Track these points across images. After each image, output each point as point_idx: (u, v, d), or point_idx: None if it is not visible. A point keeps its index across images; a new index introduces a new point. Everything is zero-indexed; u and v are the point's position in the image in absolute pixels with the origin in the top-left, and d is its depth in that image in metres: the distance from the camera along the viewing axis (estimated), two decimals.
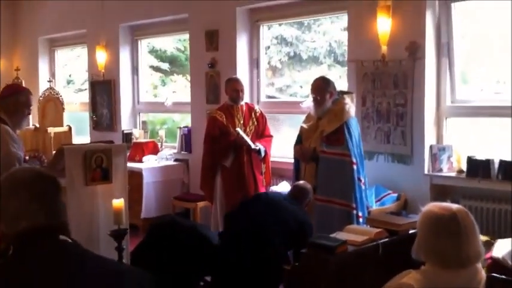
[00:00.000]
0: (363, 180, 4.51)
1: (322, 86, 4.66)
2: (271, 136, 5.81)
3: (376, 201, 4.99)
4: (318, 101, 4.65)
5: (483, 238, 3.57)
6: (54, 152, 6.55)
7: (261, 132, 5.73)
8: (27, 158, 4.08)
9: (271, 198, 4.44)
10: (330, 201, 4.45)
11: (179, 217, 5.75)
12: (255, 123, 5.70)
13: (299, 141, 4.83)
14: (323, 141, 4.53)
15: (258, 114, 5.77)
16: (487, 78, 5.18)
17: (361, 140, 4.68)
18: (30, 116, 8.52)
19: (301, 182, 4.64)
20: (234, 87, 5.65)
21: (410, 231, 3.42)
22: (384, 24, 5.00)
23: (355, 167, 4.43)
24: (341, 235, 3.36)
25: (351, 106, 4.64)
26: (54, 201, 1.79)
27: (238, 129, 5.48)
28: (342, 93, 4.78)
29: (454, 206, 2.20)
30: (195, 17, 6.82)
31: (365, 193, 4.60)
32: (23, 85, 8.55)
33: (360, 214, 4.42)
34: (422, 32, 4.87)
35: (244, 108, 5.73)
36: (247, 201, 4.57)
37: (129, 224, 4.98)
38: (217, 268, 4.21)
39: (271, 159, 5.80)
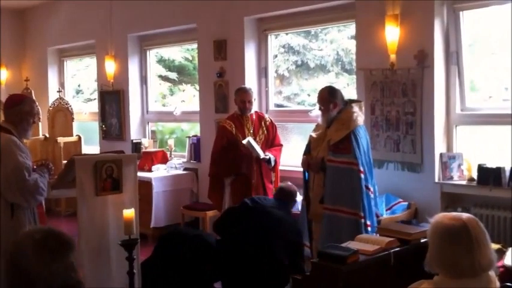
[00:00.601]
0: (371, 189, 4.50)
1: (325, 97, 4.64)
2: (281, 145, 5.81)
3: (386, 210, 4.97)
4: (323, 111, 4.67)
5: (495, 246, 3.56)
6: (64, 161, 6.58)
7: (271, 141, 5.73)
8: (35, 166, 4.09)
9: (261, 206, 4.47)
10: (337, 210, 4.42)
11: (185, 227, 5.75)
12: (265, 132, 5.71)
13: (308, 150, 4.83)
14: (330, 150, 4.52)
15: (268, 123, 5.78)
16: (496, 85, 5.17)
17: (370, 149, 4.66)
18: (40, 126, 8.71)
19: (287, 184, 4.66)
20: (242, 98, 5.67)
21: (422, 240, 3.41)
22: (392, 33, 5.01)
23: (362, 175, 4.41)
24: (352, 244, 3.36)
25: (359, 114, 4.62)
26: (66, 262, 1.81)
27: (249, 138, 5.49)
28: (351, 101, 4.78)
29: (464, 216, 2.19)
30: (203, 27, 6.86)
31: (374, 201, 4.58)
32: (33, 95, 8.65)
33: (369, 223, 4.39)
34: (431, 40, 4.87)
35: (254, 117, 5.74)
36: (236, 210, 4.61)
37: (139, 233, 5.00)
38: (222, 274, 4.25)
39: (281, 167, 5.80)
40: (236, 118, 5.71)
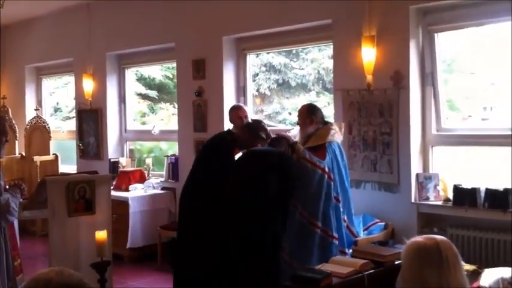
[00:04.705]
0: (340, 199, 4.44)
1: (303, 112, 4.69)
2: None
3: (363, 230, 4.95)
4: (300, 125, 4.70)
5: (470, 267, 3.56)
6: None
7: None
8: (7, 186, 4.03)
9: None
10: (311, 223, 4.36)
11: None
12: None
13: None
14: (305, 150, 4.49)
15: None
16: (474, 105, 5.22)
17: (346, 167, 4.63)
18: (17, 145, 8.59)
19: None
20: (239, 115, 5.59)
21: (396, 262, 3.39)
22: (368, 54, 5.04)
23: (332, 183, 4.37)
24: (326, 267, 3.33)
25: (336, 132, 4.62)
26: None
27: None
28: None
29: (438, 237, 2.20)
30: (182, 46, 6.85)
31: (349, 219, 4.55)
32: (10, 113, 8.57)
33: (336, 235, 4.32)
34: (407, 61, 4.91)
35: None
36: None
37: (114, 253, 4.93)
38: None
39: None
40: None
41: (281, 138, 4.50)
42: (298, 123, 4.74)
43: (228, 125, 5.88)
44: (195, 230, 4.41)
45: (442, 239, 2.19)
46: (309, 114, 4.64)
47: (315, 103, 5.26)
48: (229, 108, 5.78)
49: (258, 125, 4.76)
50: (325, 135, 4.54)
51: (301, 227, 4.31)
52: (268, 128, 4.77)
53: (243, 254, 3.93)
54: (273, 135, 4.69)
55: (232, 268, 3.97)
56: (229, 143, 4.61)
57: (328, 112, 5.70)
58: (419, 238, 2.19)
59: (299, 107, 4.85)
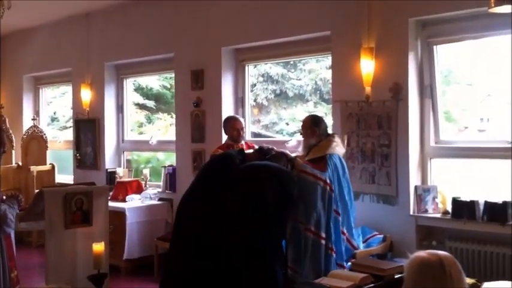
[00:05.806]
0: (339, 212, 4.43)
1: (307, 123, 4.74)
2: None
3: (362, 242, 4.93)
4: (302, 136, 4.75)
5: (469, 281, 3.54)
6: (36, 190, 6.46)
7: None
8: (4, 197, 4.00)
9: None
10: (319, 236, 4.34)
11: None
12: None
13: None
14: (305, 163, 4.49)
15: None
16: (471, 116, 5.23)
17: (348, 179, 4.62)
18: (13, 154, 8.56)
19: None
20: (234, 126, 5.56)
21: (396, 276, 3.37)
22: (367, 66, 5.05)
23: (333, 194, 4.38)
24: (326, 281, 3.31)
25: (338, 144, 4.63)
26: None
27: None
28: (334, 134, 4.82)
29: (441, 253, 2.18)
30: (180, 57, 6.85)
31: (349, 231, 4.53)
32: (7, 123, 8.54)
33: (334, 248, 4.30)
34: (405, 73, 4.91)
35: (244, 147, 5.65)
36: None
37: (111, 265, 4.90)
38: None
39: None
40: (227, 148, 5.59)
41: (280, 154, 4.51)
42: (301, 133, 4.77)
43: (225, 137, 5.87)
44: (192, 248, 4.39)
45: (446, 254, 2.17)
46: (312, 125, 4.68)
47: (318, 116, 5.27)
48: (226, 119, 5.77)
49: (269, 150, 4.73)
50: (326, 148, 4.56)
51: (306, 242, 4.30)
52: (267, 139, 4.78)
53: (247, 259, 3.92)
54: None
55: (236, 275, 3.95)
56: (238, 165, 4.56)
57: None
58: (422, 253, 2.17)
59: (297, 117, 4.88)
